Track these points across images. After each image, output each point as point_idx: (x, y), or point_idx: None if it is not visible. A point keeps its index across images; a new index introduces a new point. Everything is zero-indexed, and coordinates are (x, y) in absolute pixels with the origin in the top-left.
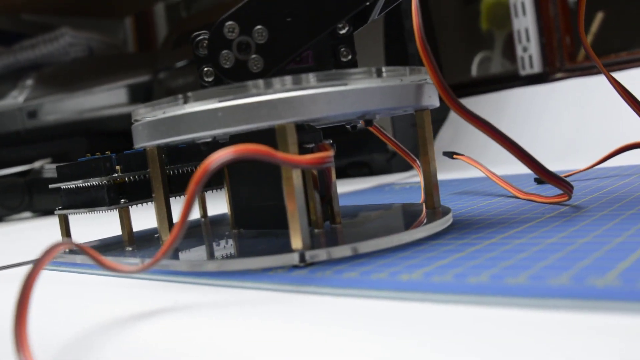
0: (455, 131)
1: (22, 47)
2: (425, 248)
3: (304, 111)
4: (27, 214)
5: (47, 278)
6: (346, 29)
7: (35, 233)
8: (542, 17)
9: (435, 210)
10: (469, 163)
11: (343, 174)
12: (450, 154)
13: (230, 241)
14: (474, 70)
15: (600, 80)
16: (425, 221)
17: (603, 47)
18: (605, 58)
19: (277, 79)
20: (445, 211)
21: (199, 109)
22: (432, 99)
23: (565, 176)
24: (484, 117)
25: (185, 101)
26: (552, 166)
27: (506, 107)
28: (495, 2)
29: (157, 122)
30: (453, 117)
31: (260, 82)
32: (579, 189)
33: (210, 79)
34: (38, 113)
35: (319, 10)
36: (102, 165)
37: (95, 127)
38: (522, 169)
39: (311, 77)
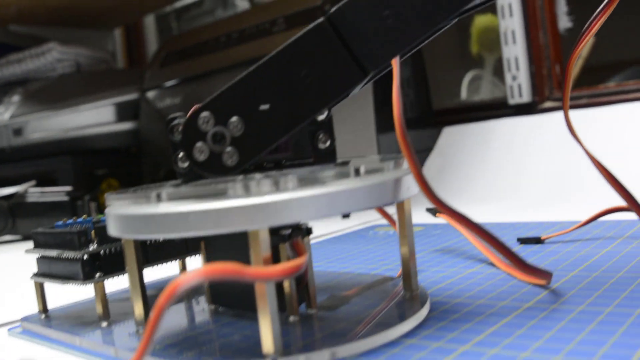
0: (443, 160)
1: (9, 61)
2: (398, 352)
3: (278, 217)
4: (10, 237)
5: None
6: (324, 114)
7: (17, 257)
8: (532, 46)
9: (412, 294)
10: (451, 223)
11: None
12: (433, 211)
13: (207, 326)
14: (464, 91)
15: (588, 113)
16: (403, 313)
17: (592, 75)
18: (594, 88)
19: (253, 182)
20: (423, 299)
21: (170, 210)
22: (410, 189)
23: (545, 238)
24: (473, 147)
25: (159, 199)
26: (538, 211)
27: (494, 138)
28: (485, 26)
29: (128, 217)
30: (440, 145)
31: (235, 185)
32: (558, 259)
33: (185, 165)
34: (24, 130)
35: (297, 101)
36: (76, 240)
37: (81, 145)
38: (506, 213)
39: (288, 180)
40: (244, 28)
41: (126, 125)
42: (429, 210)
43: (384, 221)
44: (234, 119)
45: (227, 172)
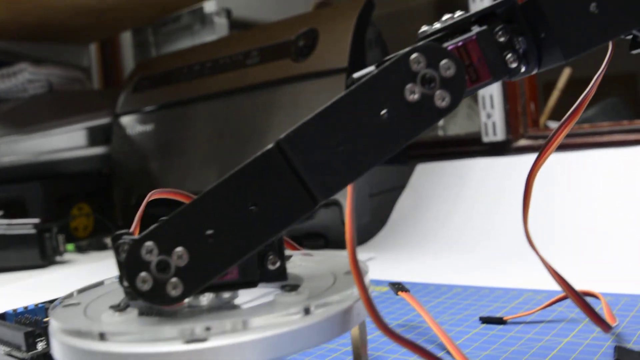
0: (415, 200)
1: None
2: None
3: None
4: None
5: None
6: (277, 264)
7: None
8: (507, 83)
9: None
10: (411, 304)
11: (298, 243)
12: (396, 288)
13: None
14: (439, 124)
15: (564, 157)
16: None
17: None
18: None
19: (198, 325)
20: None
21: (106, 349)
22: (360, 315)
23: (508, 319)
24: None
25: (101, 338)
26: (511, 261)
27: (467, 178)
28: None
29: (68, 347)
30: (413, 184)
31: (174, 329)
32: (521, 350)
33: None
34: None
35: (244, 231)
36: (25, 340)
37: (52, 170)
38: (477, 265)
39: (228, 324)
40: (217, 58)
41: (98, 150)
42: (391, 285)
43: None
44: (179, 249)
45: (172, 302)
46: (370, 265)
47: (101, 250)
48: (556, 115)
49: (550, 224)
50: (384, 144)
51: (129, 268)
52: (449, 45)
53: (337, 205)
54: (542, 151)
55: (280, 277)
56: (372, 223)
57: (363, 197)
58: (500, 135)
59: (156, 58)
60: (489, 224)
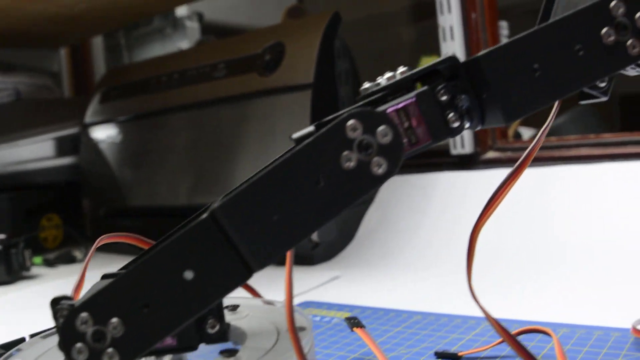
0: (382, 214)
1: None
2: None
3: None
4: None
5: None
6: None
7: None
8: None
9: None
10: (365, 341)
11: None
12: (351, 323)
13: None
14: None
15: (532, 173)
16: None
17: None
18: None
19: None
20: None
21: None
22: None
23: (462, 355)
24: (413, 200)
25: None
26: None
27: (434, 192)
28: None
29: None
30: (380, 197)
31: None
32: None
33: None
34: None
35: (178, 302)
36: None
37: (20, 181)
38: (441, 284)
39: None
40: (185, 69)
41: (67, 160)
42: (346, 320)
43: None
44: (114, 320)
45: None
46: (335, 285)
47: (70, 263)
48: (528, 121)
49: (513, 242)
50: (320, 212)
51: (64, 338)
52: (389, 107)
53: None
54: (486, 207)
55: (220, 339)
56: (339, 239)
57: None
58: (468, 148)
59: (124, 67)
60: (454, 237)
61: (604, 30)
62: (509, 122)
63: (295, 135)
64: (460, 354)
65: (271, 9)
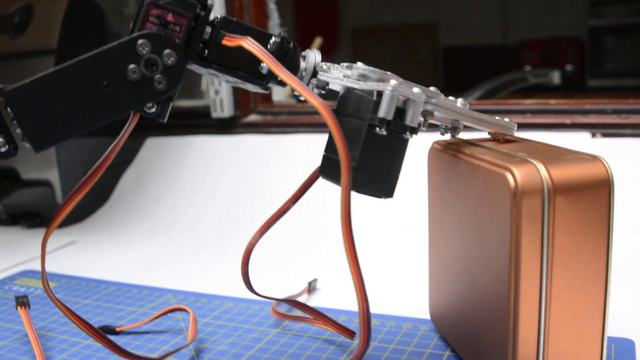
0: (139, 176)
1: None
2: None
3: None
4: None
5: None
6: None
7: None
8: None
9: None
10: (23, 321)
11: (15, 223)
12: (18, 302)
13: None
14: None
15: (277, 139)
16: None
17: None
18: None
19: None
20: None
21: None
22: None
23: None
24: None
25: None
26: (213, 251)
27: (194, 155)
28: None
29: None
30: (140, 159)
31: None
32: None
33: None
34: None
35: None
36: None
37: None
38: (182, 249)
39: None
40: None
41: None
42: (16, 298)
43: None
44: None
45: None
46: (66, 252)
47: None
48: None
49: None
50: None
51: None
52: None
53: (49, 185)
54: (63, 205)
55: None
56: (91, 200)
57: (78, 173)
58: (227, 111)
59: None
60: (203, 204)
61: (130, 66)
62: (38, 151)
63: None
64: (118, 329)
65: None
